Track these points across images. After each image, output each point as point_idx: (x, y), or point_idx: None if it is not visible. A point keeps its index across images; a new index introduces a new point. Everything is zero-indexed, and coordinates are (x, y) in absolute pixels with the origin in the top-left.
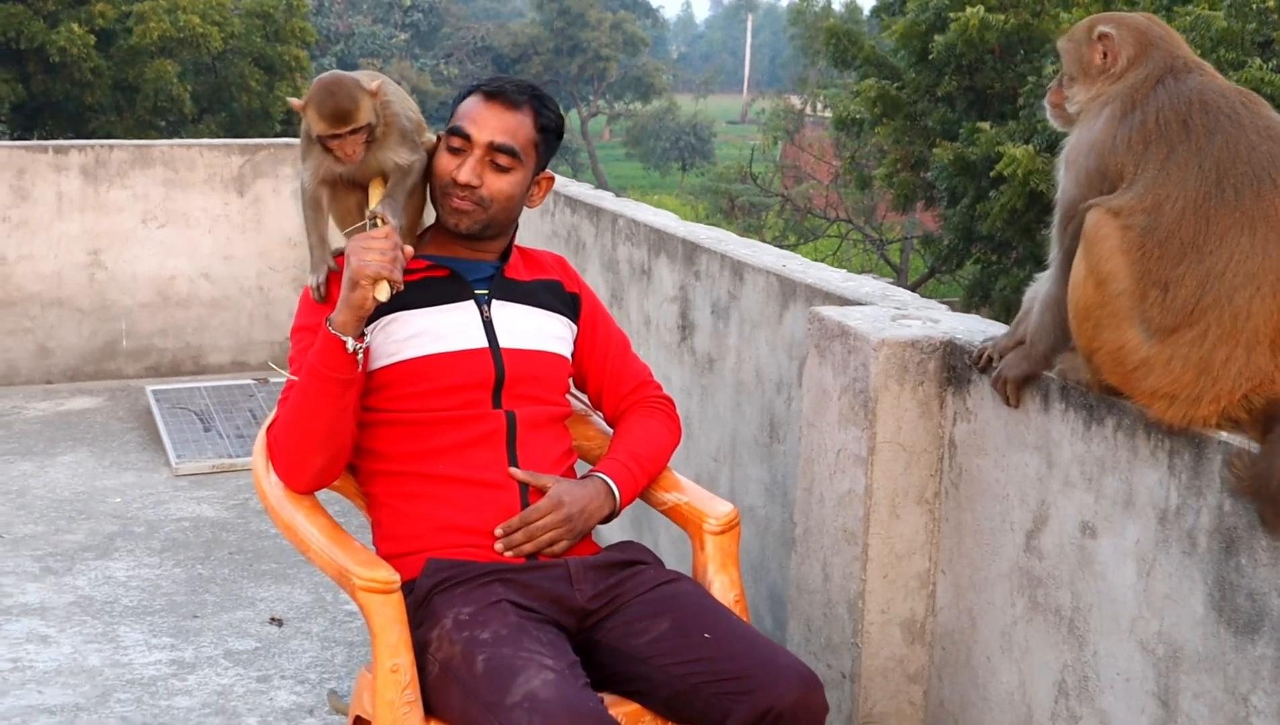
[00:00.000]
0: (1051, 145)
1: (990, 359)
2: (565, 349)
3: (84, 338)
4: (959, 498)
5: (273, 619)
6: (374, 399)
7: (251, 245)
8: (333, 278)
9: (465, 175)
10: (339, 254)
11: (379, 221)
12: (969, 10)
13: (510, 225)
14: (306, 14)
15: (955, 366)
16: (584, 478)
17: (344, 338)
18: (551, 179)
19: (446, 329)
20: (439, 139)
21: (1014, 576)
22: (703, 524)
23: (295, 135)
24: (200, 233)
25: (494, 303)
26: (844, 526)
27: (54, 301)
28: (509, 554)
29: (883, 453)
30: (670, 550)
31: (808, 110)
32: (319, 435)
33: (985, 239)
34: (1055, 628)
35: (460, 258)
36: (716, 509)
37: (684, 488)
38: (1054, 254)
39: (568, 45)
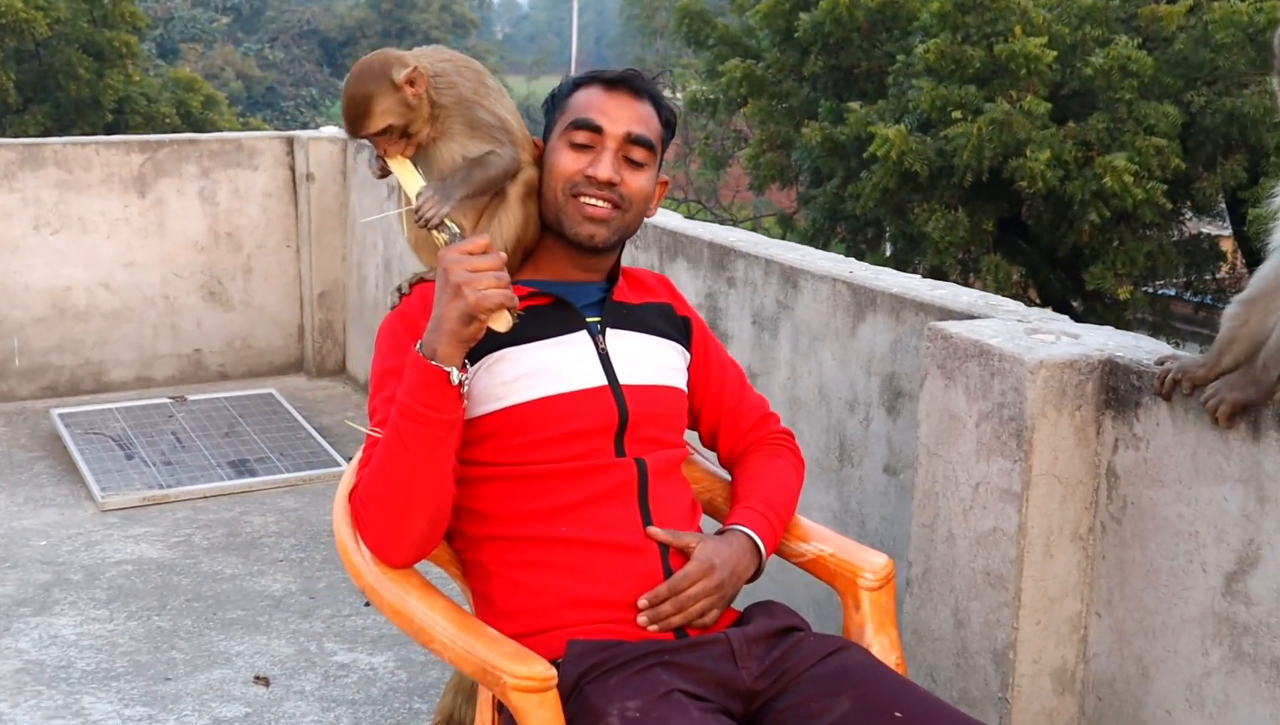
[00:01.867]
0: (923, 125)
1: (1176, 383)
2: (682, 381)
3: None
4: (1122, 533)
5: (257, 678)
6: (477, 451)
7: (154, 251)
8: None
9: (606, 170)
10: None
11: (449, 228)
12: None
13: (631, 236)
14: None
15: (1117, 388)
16: (723, 533)
17: (447, 369)
18: (666, 183)
19: (562, 365)
20: (540, 148)
21: (1207, 622)
22: (856, 579)
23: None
24: (98, 238)
25: (608, 332)
26: (986, 568)
27: None
28: (654, 629)
29: (1038, 486)
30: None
31: None
32: (420, 493)
33: (851, 219)
34: (1270, 681)
35: (567, 281)
36: (870, 561)
37: (825, 536)
38: None
39: (396, 28)
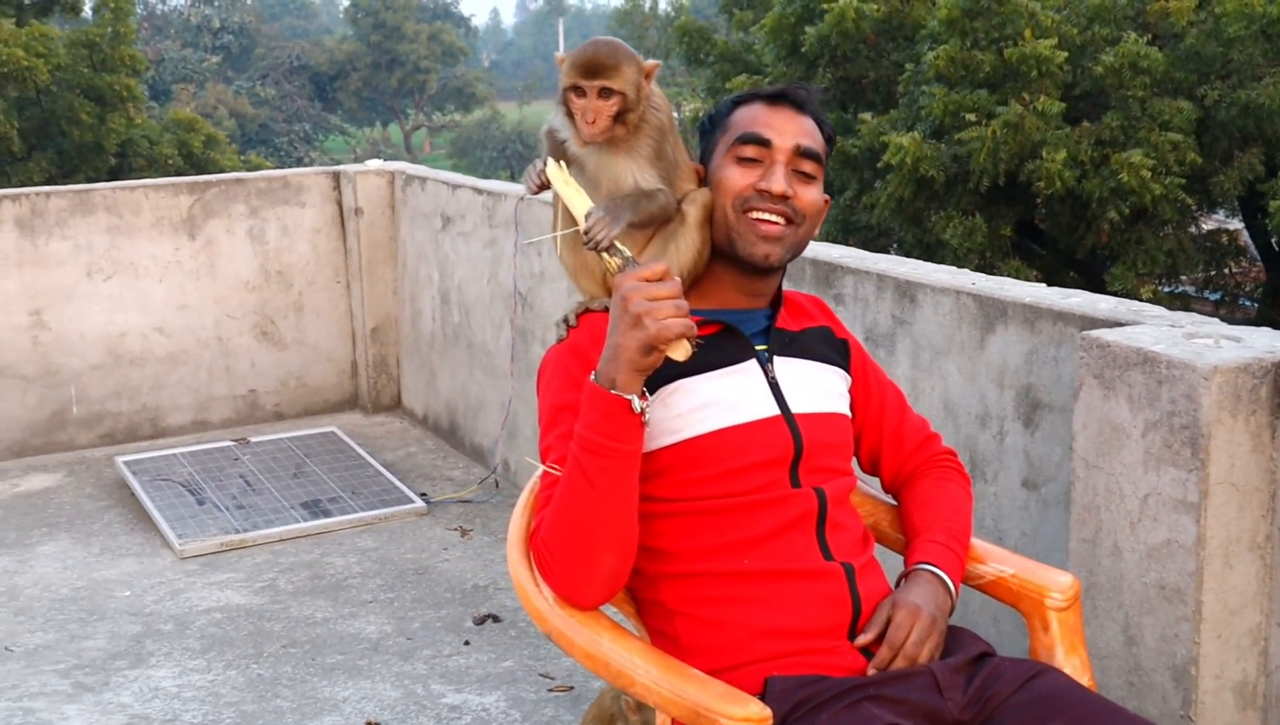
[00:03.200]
0: (937, 132)
1: None
2: (847, 406)
3: (29, 408)
4: None
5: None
6: (652, 486)
7: (206, 292)
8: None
9: (779, 182)
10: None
11: (621, 252)
12: (842, 0)
13: (800, 253)
14: (134, 40)
15: None
16: (910, 574)
17: (628, 397)
18: (829, 201)
19: (736, 396)
20: (701, 174)
21: None
22: (1043, 599)
23: (130, 167)
24: (150, 282)
25: (776, 360)
26: (1160, 581)
27: None
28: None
29: (1216, 496)
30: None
31: None
32: (607, 529)
33: (863, 230)
34: None
35: (734, 308)
36: (1056, 580)
37: (1003, 556)
38: None
39: (386, 59)
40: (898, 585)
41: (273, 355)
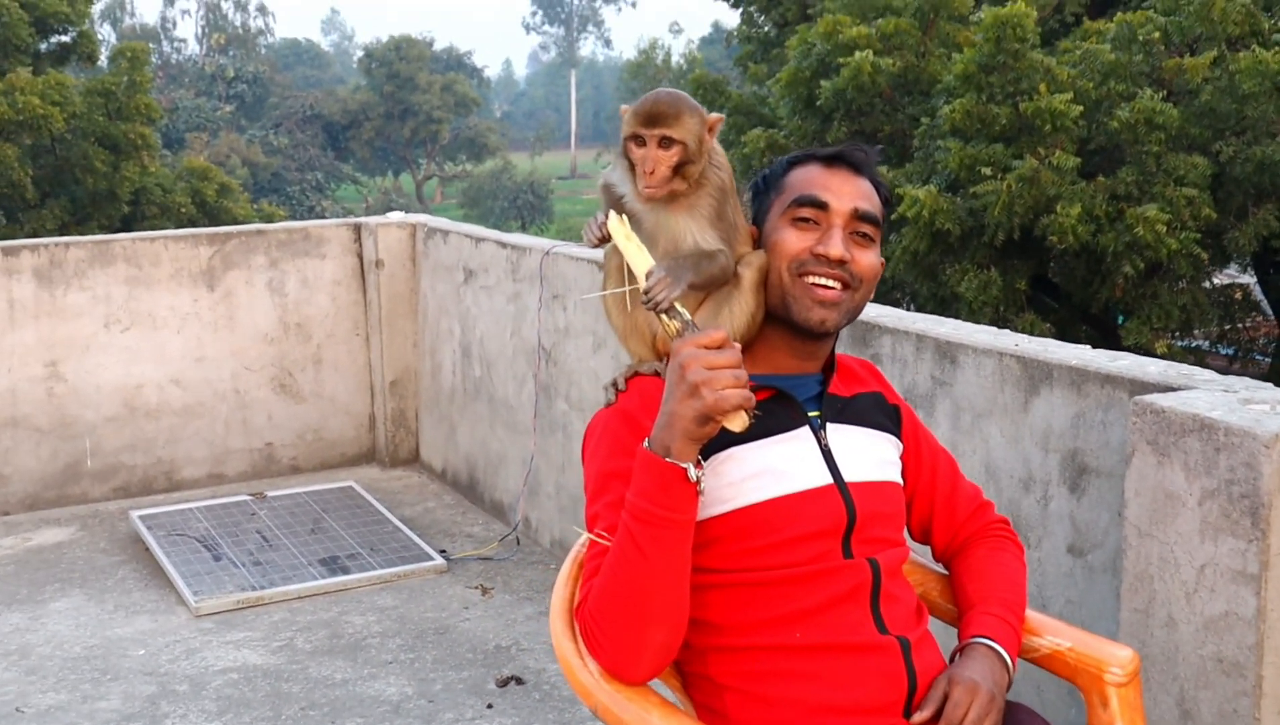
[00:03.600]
0: (952, 186)
1: None
2: (899, 474)
3: (43, 460)
4: None
5: None
6: (702, 557)
7: (224, 344)
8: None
9: (837, 247)
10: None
11: (680, 315)
12: (859, 55)
13: (856, 318)
14: (150, 89)
15: None
16: (966, 648)
17: (684, 465)
18: (884, 264)
19: (788, 464)
20: (755, 236)
21: None
22: (1102, 674)
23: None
24: (168, 334)
25: (828, 427)
26: (1218, 654)
27: (8, 421)
28: None
29: (1276, 567)
30: None
31: None
32: (659, 602)
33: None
34: None
35: (786, 374)
36: (1116, 654)
37: (1058, 629)
38: None
39: (399, 109)
40: (952, 659)
41: (290, 408)
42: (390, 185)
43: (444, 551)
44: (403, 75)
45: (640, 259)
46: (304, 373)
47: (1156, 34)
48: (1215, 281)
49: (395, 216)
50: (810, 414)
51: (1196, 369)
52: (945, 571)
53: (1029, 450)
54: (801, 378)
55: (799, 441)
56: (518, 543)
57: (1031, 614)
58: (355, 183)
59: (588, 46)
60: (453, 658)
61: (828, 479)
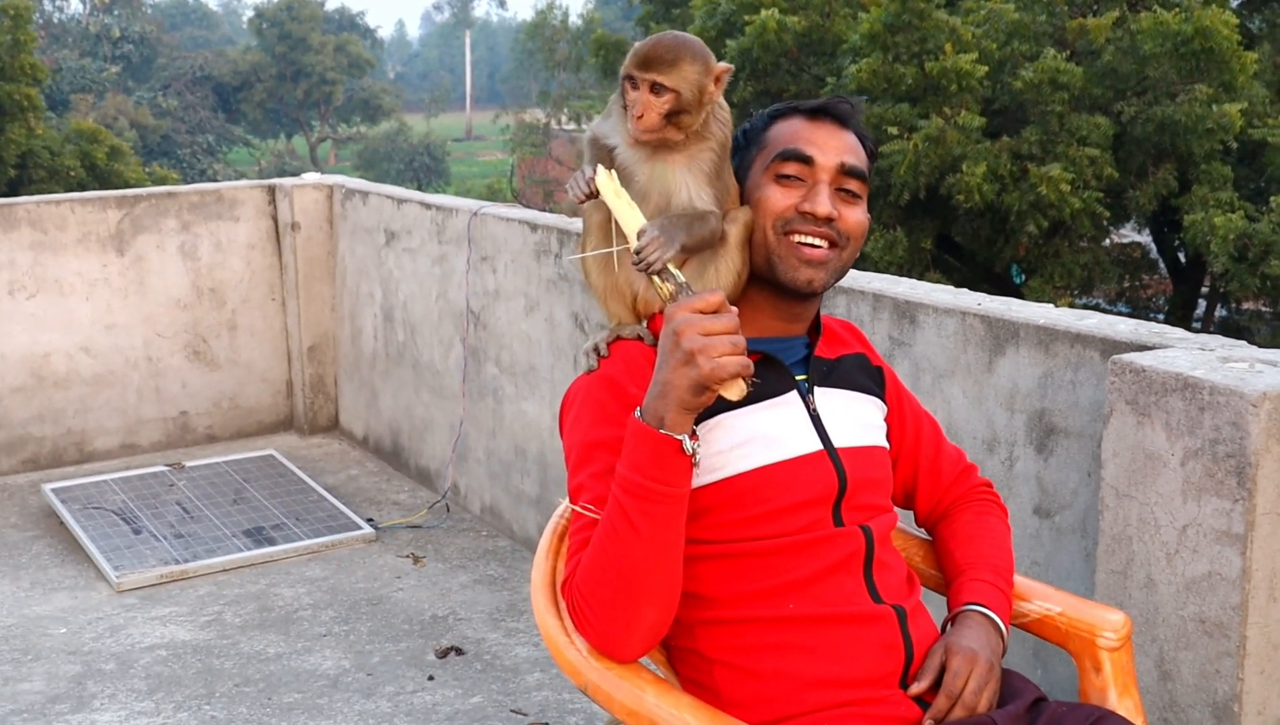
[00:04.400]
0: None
1: None
2: (884, 438)
3: None
4: None
5: None
6: (692, 528)
7: (135, 311)
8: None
9: (824, 204)
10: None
11: (674, 276)
12: (764, 13)
13: (844, 276)
14: (33, 48)
15: None
16: (959, 615)
17: (679, 437)
18: (870, 219)
19: (778, 431)
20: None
21: None
22: (1095, 639)
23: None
24: (76, 301)
25: (816, 391)
26: (1200, 615)
27: None
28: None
29: (1262, 526)
30: None
31: (554, 124)
32: (652, 578)
33: None
34: None
35: (772, 336)
36: (1108, 618)
37: (1047, 593)
38: None
39: (291, 70)
40: (944, 628)
41: (205, 376)
42: (284, 147)
43: (371, 520)
44: (295, 36)
45: (631, 216)
46: (218, 339)
47: None
48: (1113, 241)
49: (311, 177)
50: (797, 378)
51: (1167, 327)
52: (928, 537)
53: (993, 411)
54: (788, 340)
55: (788, 407)
56: (447, 510)
57: (1019, 579)
58: (247, 145)
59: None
60: (389, 629)
61: (818, 445)
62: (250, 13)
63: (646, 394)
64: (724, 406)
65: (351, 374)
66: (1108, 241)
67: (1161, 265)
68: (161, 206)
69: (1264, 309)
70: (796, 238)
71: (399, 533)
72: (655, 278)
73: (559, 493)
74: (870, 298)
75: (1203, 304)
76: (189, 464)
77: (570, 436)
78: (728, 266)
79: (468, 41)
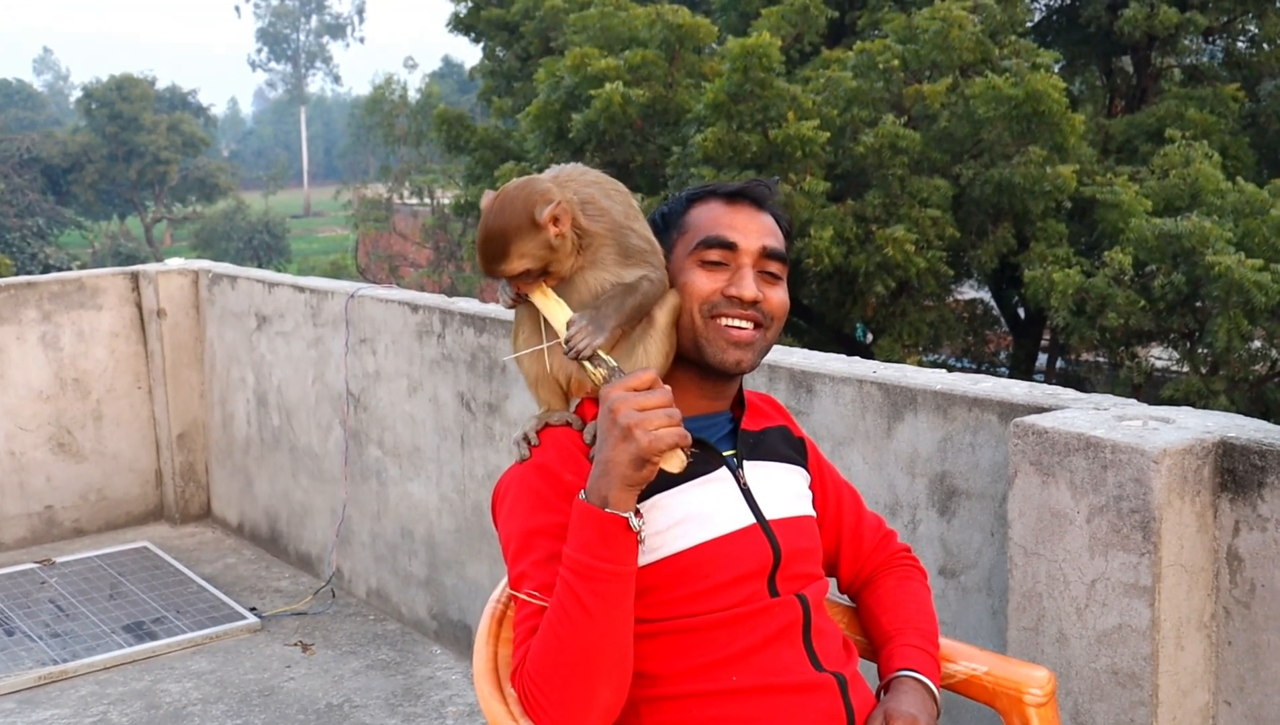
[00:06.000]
0: None
1: None
2: (811, 506)
3: None
4: (1252, 617)
5: None
6: (634, 608)
7: None
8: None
9: (750, 288)
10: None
11: (605, 362)
12: (608, 86)
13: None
14: None
15: (1234, 470)
16: (893, 681)
17: (624, 514)
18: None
19: (711, 508)
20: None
21: None
22: (1021, 696)
23: None
24: None
25: (745, 465)
26: (1112, 667)
27: None
28: None
29: (1168, 578)
30: None
31: (396, 198)
32: (605, 660)
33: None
34: None
35: (698, 415)
36: (1033, 676)
37: (970, 654)
38: None
39: (123, 150)
40: (878, 694)
41: (71, 468)
42: (118, 229)
43: (255, 609)
44: (125, 115)
45: (558, 312)
46: (84, 430)
47: (895, 61)
48: (955, 298)
49: (175, 263)
50: (725, 453)
51: (1059, 388)
52: (852, 603)
53: (894, 475)
54: (713, 417)
55: (719, 483)
56: (332, 595)
57: (943, 640)
58: (80, 227)
59: (316, 83)
60: (283, 721)
61: (750, 519)
62: (78, 93)
63: (590, 476)
64: (660, 486)
65: (224, 460)
66: (951, 299)
67: (1003, 320)
68: (20, 297)
69: (1100, 360)
70: (723, 321)
71: (284, 620)
72: (587, 364)
73: (448, 573)
74: (765, 368)
75: (1043, 357)
76: (59, 560)
77: (508, 526)
78: (656, 347)
79: (303, 118)
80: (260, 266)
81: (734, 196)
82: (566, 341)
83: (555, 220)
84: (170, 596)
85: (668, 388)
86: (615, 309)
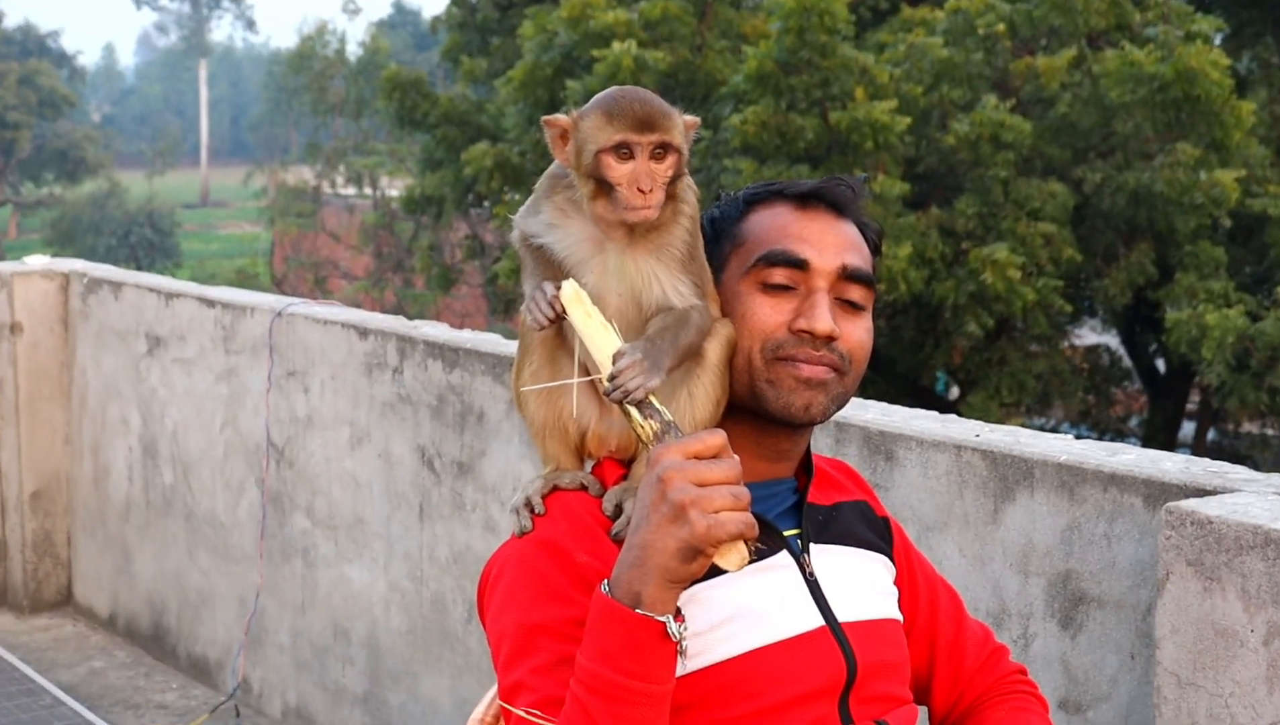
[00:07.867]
0: None
1: None
2: (897, 608)
3: None
4: None
5: None
6: None
7: None
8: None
9: (824, 320)
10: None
11: (659, 412)
12: (618, 47)
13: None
14: None
15: None
16: None
17: (661, 619)
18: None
19: (768, 604)
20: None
21: None
22: None
23: None
24: None
25: (812, 549)
26: None
27: None
28: None
29: None
30: None
31: (326, 186)
32: None
33: None
34: None
35: (753, 482)
36: None
37: None
38: None
39: None
40: None
41: None
42: None
43: None
44: None
45: (605, 339)
46: None
47: (1001, 26)
48: (1072, 344)
49: (37, 262)
50: (787, 533)
51: (1228, 465)
52: None
53: (1001, 574)
54: (773, 485)
55: (778, 571)
56: (236, 714)
57: None
58: None
59: (223, 29)
60: None
61: (818, 620)
62: None
63: (617, 561)
64: (705, 575)
65: (93, 529)
66: (1066, 344)
67: (1135, 374)
68: None
69: (1269, 432)
70: (795, 362)
71: None
72: (634, 412)
73: (395, 689)
74: (832, 427)
75: (1189, 426)
76: None
77: (499, 620)
78: (705, 392)
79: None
80: (139, 267)
81: (806, 198)
82: (611, 378)
83: (691, 126)
84: (15, 714)
85: (737, 459)
86: (670, 344)
